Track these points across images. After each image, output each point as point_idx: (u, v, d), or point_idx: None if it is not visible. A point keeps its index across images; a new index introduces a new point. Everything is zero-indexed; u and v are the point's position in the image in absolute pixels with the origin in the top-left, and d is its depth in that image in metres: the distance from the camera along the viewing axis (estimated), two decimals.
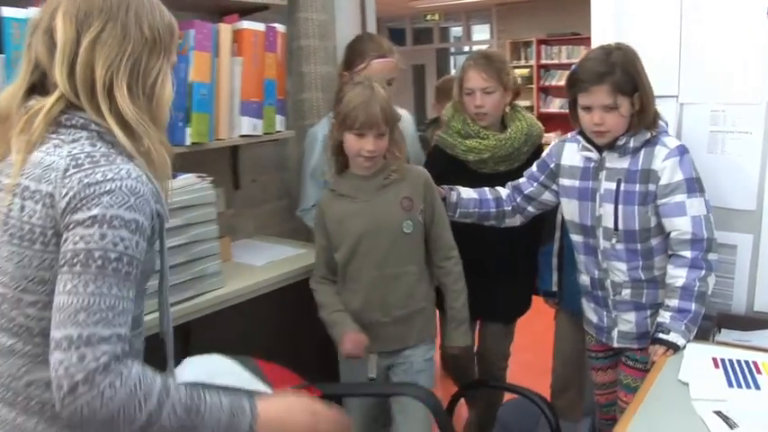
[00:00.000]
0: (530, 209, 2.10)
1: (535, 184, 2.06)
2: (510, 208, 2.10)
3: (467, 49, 10.97)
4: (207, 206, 1.87)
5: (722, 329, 1.90)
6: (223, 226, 2.33)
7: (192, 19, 1.97)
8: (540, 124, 2.32)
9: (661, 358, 1.68)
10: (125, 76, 1.07)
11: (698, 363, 1.62)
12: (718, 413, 1.39)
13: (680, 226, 1.76)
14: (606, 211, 1.86)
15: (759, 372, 1.57)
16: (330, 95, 2.60)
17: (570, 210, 1.97)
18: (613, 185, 1.84)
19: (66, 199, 0.99)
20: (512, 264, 2.29)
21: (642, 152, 1.81)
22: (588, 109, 1.78)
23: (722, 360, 1.63)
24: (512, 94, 2.23)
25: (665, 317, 1.75)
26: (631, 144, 1.80)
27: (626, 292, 1.89)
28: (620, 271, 1.88)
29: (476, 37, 10.83)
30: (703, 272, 1.74)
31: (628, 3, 2.05)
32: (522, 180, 2.09)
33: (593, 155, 1.88)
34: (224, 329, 1.84)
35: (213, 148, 2.11)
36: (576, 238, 1.99)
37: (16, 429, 1.06)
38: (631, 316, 1.91)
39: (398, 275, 1.91)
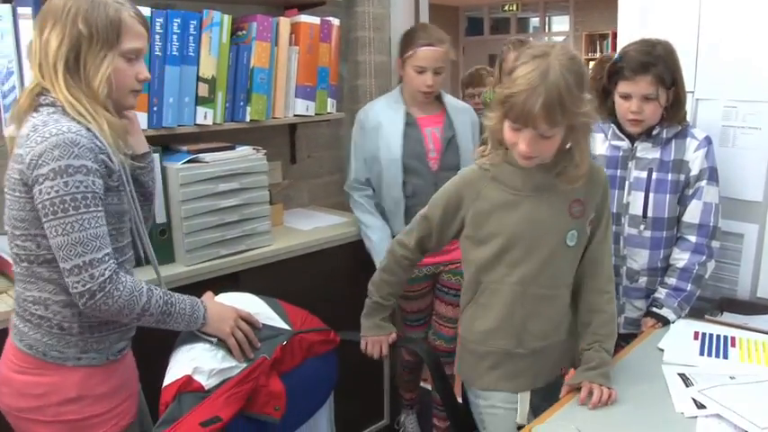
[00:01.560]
0: None
1: None
2: None
3: (545, 39, 10.97)
4: (259, 174, 2.16)
5: (724, 312, 2.04)
6: (279, 195, 2.65)
7: (257, 13, 2.27)
8: None
9: (649, 329, 1.86)
10: (65, 65, 1.37)
11: (680, 334, 1.80)
12: (681, 375, 1.57)
13: (692, 209, 1.89)
14: (635, 199, 1.93)
15: (733, 345, 1.73)
16: (382, 82, 2.87)
17: None
18: (644, 174, 1.91)
19: (29, 157, 1.31)
20: None
21: (673, 143, 1.90)
22: (627, 97, 1.85)
23: (703, 334, 1.80)
24: None
25: (660, 293, 1.91)
26: (664, 135, 1.89)
27: (642, 280, 1.96)
28: (640, 258, 1.95)
29: (554, 28, 10.81)
30: (704, 257, 1.88)
31: (651, 6, 2.18)
32: None
33: (624, 144, 1.94)
34: (269, 280, 2.13)
35: (272, 126, 2.41)
36: None
37: (23, 336, 1.43)
38: (641, 303, 1.98)
39: (548, 298, 1.56)
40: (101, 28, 1.38)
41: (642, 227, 1.93)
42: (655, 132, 1.90)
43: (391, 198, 2.35)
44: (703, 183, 1.88)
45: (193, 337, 1.52)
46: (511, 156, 1.50)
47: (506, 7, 10.49)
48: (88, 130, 1.36)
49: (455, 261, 2.43)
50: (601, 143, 1.99)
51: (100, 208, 1.35)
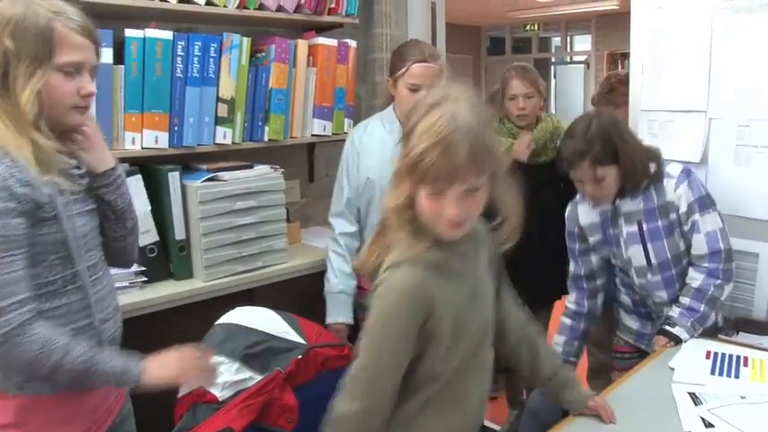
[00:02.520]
0: (599, 281, 2.10)
1: (579, 260, 2.08)
2: (586, 302, 2.09)
3: (567, 59, 10.99)
4: (276, 192, 2.22)
5: (740, 332, 2.03)
6: (297, 213, 2.70)
7: (275, 36, 2.33)
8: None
9: (661, 348, 1.87)
10: None
11: (692, 353, 1.79)
12: (691, 394, 1.57)
13: (697, 242, 1.88)
14: (635, 253, 1.94)
15: (746, 365, 1.72)
16: None
17: (588, 262, 2.08)
18: (635, 227, 1.92)
19: None
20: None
21: (652, 189, 1.90)
22: (580, 182, 1.89)
23: (715, 353, 1.79)
24: (543, 99, 2.56)
25: (674, 311, 1.90)
26: (641, 187, 1.89)
27: (667, 309, 1.96)
28: (658, 295, 1.97)
29: (576, 47, 10.82)
30: (719, 281, 1.87)
31: (663, 23, 2.20)
32: (571, 267, 2.11)
33: (607, 206, 1.96)
34: (284, 296, 2.17)
35: (290, 145, 2.47)
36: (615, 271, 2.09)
37: None
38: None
39: (486, 364, 1.38)
40: (29, 42, 1.26)
41: (650, 275, 1.95)
42: (627, 188, 1.90)
43: None
44: (696, 216, 1.87)
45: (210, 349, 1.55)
46: (435, 237, 1.21)
47: (528, 27, 10.54)
48: (7, 157, 1.24)
49: None
50: (588, 211, 2.02)
51: (12, 252, 1.24)
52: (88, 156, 1.42)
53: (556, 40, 11.14)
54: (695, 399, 1.54)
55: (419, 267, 1.19)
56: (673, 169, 1.91)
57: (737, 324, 2.06)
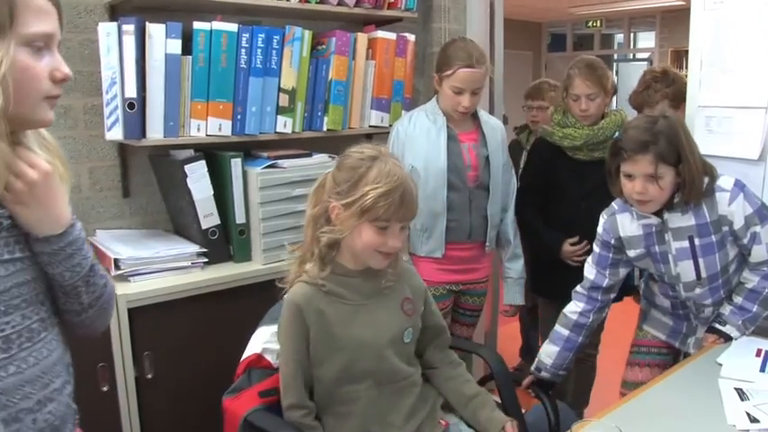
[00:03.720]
0: (611, 295, 2.04)
1: (607, 270, 1.98)
2: (592, 316, 2.00)
3: (630, 56, 10.77)
4: None
5: None
6: None
7: (336, 29, 2.40)
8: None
9: (710, 344, 1.86)
10: None
11: (741, 350, 1.79)
12: (738, 389, 1.57)
13: (758, 252, 1.83)
14: (684, 269, 1.88)
15: None
16: None
17: (644, 264, 1.98)
18: (686, 243, 1.84)
19: None
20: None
21: (704, 205, 1.81)
22: (630, 177, 1.79)
23: (766, 351, 1.78)
24: (610, 95, 2.48)
25: (725, 309, 1.89)
26: (692, 202, 1.80)
27: (708, 310, 1.95)
28: (706, 304, 1.94)
29: (640, 44, 10.60)
30: None
31: (723, 17, 2.17)
32: (591, 275, 2.00)
33: (653, 220, 1.85)
34: None
35: (348, 135, 2.52)
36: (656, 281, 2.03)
37: None
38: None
39: (402, 388, 1.59)
40: None
41: (698, 289, 1.91)
42: (676, 200, 1.80)
43: (429, 213, 2.26)
44: (757, 228, 1.80)
45: (272, 319, 1.65)
46: (339, 267, 1.53)
47: (590, 23, 10.37)
48: None
49: (480, 281, 2.45)
50: (629, 223, 1.92)
51: None
52: (27, 212, 1.03)
53: (619, 37, 10.92)
54: (742, 394, 1.54)
55: (308, 286, 1.50)
56: (725, 183, 1.82)
57: None
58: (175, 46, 2.06)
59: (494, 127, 2.40)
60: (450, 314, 2.47)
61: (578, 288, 2.03)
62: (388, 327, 1.56)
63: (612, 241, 1.96)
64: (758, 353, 1.77)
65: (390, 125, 2.57)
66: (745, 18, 2.13)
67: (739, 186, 1.81)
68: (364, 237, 1.47)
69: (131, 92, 2.01)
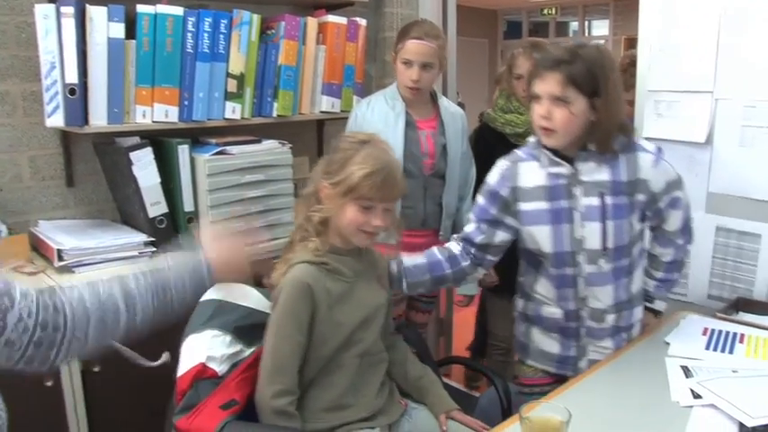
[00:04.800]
0: (489, 257, 1.81)
1: (484, 226, 1.77)
2: (468, 262, 1.80)
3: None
4: (284, 167, 2.27)
5: (740, 312, 2.05)
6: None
7: (285, 13, 2.36)
8: None
9: (654, 325, 1.87)
10: None
11: (688, 329, 1.82)
12: (684, 367, 1.60)
13: (675, 218, 1.75)
14: (590, 232, 1.67)
15: (741, 342, 1.74)
16: None
17: (540, 238, 1.72)
18: (596, 200, 1.65)
19: None
20: None
21: (622, 159, 1.65)
22: (538, 99, 1.62)
23: (712, 330, 1.82)
24: None
25: (649, 285, 1.85)
26: (608, 151, 1.64)
27: (610, 318, 1.75)
28: (604, 296, 1.73)
29: (594, 32, 10.73)
30: (687, 245, 1.83)
31: (672, 3, 2.20)
32: (469, 227, 1.81)
33: (564, 169, 1.67)
34: None
35: (300, 121, 2.50)
36: (549, 271, 1.76)
37: None
38: (608, 342, 1.78)
39: (377, 363, 1.66)
40: None
41: (603, 261, 1.69)
42: (593, 149, 1.65)
43: None
44: (678, 192, 1.72)
45: (201, 325, 1.57)
46: (332, 245, 1.58)
47: (545, 11, 10.46)
48: None
49: None
50: (534, 173, 1.71)
51: None
52: None
53: (573, 25, 11.05)
54: (687, 372, 1.57)
55: (311, 266, 1.53)
56: (647, 145, 1.70)
57: (738, 304, 2.08)
58: (118, 30, 1.99)
59: (454, 114, 2.37)
60: (406, 301, 2.46)
61: (454, 235, 1.89)
62: (374, 301, 1.63)
63: (502, 191, 1.74)
64: (704, 331, 1.81)
65: (342, 111, 2.55)
66: (693, 3, 2.16)
67: (661, 151, 1.71)
68: (349, 215, 1.53)
69: (72, 77, 1.94)
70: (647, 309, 1.86)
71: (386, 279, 1.72)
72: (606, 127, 1.61)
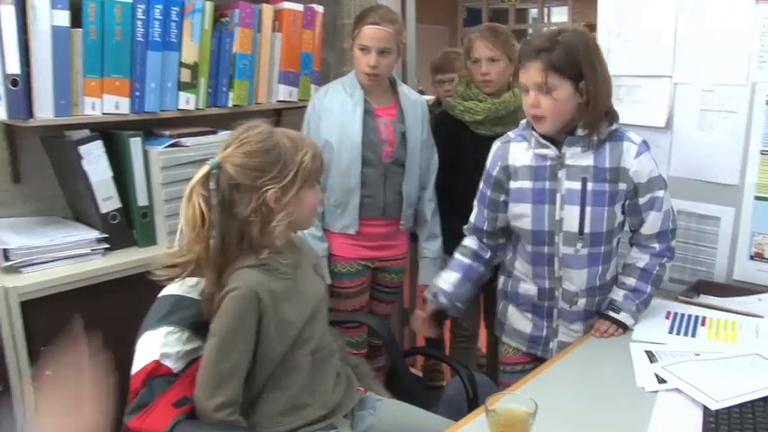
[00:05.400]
0: (500, 241, 1.89)
1: (486, 211, 1.84)
2: (489, 252, 1.90)
3: (544, 30, 10.98)
4: None
5: (701, 294, 2.06)
6: None
7: (239, 0, 2.29)
8: None
9: (603, 335, 1.72)
10: None
11: (652, 314, 1.82)
12: (648, 352, 1.60)
13: (652, 221, 1.73)
14: (569, 214, 1.70)
15: (703, 325, 1.75)
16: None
17: (521, 215, 1.77)
18: (578, 185, 1.68)
19: None
20: None
21: (607, 147, 1.68)
22: (526, 90, 1.65)
23: (675, 314, 1.82)
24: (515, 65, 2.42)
25: (618, 294, 1.75)
26: (595, 136, 1.66)
27: (581, 302, 1.78)
28: (577, 278, 1.76)
29: (554, 19, 10.80)
30: (665, 259, 1.78)
31: None
32: (473, 216, 1.89)
33: (551, 151, 1.70)
34: None
35: (256, 111, 2.44)
36: (526, 248, 1.80)
37: None
38: (578, 326, 1.81)
39: (326, 358, 1.61)
40: None
41: (579, 245, 1.72)
42: (581, 133, 1.66)
43: (343, 188, 2.22)
44: (660, 192, 1.72)
45: (157, 321, 1.51)
46: (271, 246, 1.47)
47: None
48: None
49: (397, 257, 2.42)
50: (523, 153, 1.75)
51: None
52: None
53: (533, 12, 11.11)
54: (651, 357, 1.57)
55: (254, 270, 1.43)
56: (634, 136, 1.71)
57: (698, 286, 2.09)
58: (63, 17, 1.91)
59: (414, 102, 2.34)
60: (369, 291, 2.43)
61: (465, 227, 1.93)
62: (316, 293, 1.58)
63: (495, 172, 1.80)
64: (668, 315, 1.81)
65: (300, 100, 2.50)
66: None
67: (647, 145, 1.73)
68: (308, 201, 1.50)
69: (14, 67, 1.85)
70: (609, 319, 1.74)
71: (320, 268, 1.68)
72: (595, 108, 1.63)
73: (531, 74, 1.61)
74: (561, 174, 1.70)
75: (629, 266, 1.80)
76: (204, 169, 1.44)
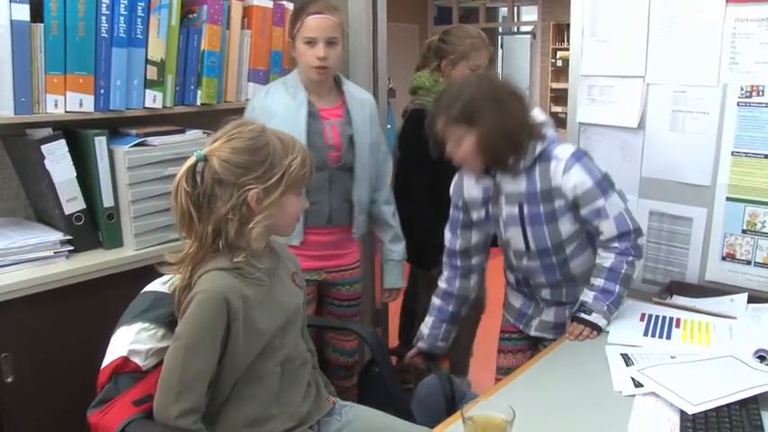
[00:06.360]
0: (474, 260, 1.98)
1: (458, 232, 1.95)
2: (458, 281, 1.99)
3: (514, 29, 11.01)
4: None
5: (674, 295, 2.07)
6: None
7: None
8: None
9: (576, 338, 1.72)
10: None
11: (626, 316, 1.81)
12: (624, 355, 1.59)
13: (606, 228, 1.75)
14: (514, 235, 1.82)
15: (678, 326, 1.75)
16: (340, 70, 2.83)
17: (467, 238, 1.95)
18: (515, 209, 1.79)
19: None
20: None
21: (537, 170, 1.75)
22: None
23: (649, 315, 1.82)
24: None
25: (588, 296, 1.76)
26: (521, 164, 1.74)
27: (545, 292, 1.90)
28: (537, 278, 1.88)
29: (523, 18, 10.85)
30: (632, 257, 1.76)
31: None
32: (447, 239, 1.98)
33: (488, 181, 1.83)
34: None
35: (225, 110, 2.38)
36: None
37: None
38: (551, 311, 1.92)
39: (297, 369, 1.55)
40: None
41: (526, 259, 1.85)
42: (509, 163, 1.75)
43: None
44: (600, 202, 1.72)
45: (134, 317, 1.48)
46: (249, 250, 1.42)
47: None
48: None
49: (348, 267, 2.29)
50: (470, 187, 1.89)
51: None
52: None
53: (503, 11, 11.14)
54: (627, 360, 1.56)
55: (225, 272, 1.38)
56: (561, 152, 1.74)
57: (671, 287, 2.10)
58: (23, 11, 1.85)
59: (362, 101, 2.23)
60: (316, 304, 2.31)
61: (442, 256, 2.02)
62: (291, 302, 1.53)
63: (460, 203, 1.92)
64: (642, 317, 1.81)
65: None
66: None
67: (576, 157, 1.73)
68: (290, 208, 1.46)
69: None
70: (581, 321, 1.74)
71: (300, 277, 1.62)
72: (495, 146, 1.72)
73: (440, 131, 1.75)
74: (501, 199, 1.82)
75: (597, 267, 1.79)
76: (191, 161, 1.39)
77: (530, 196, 1.76)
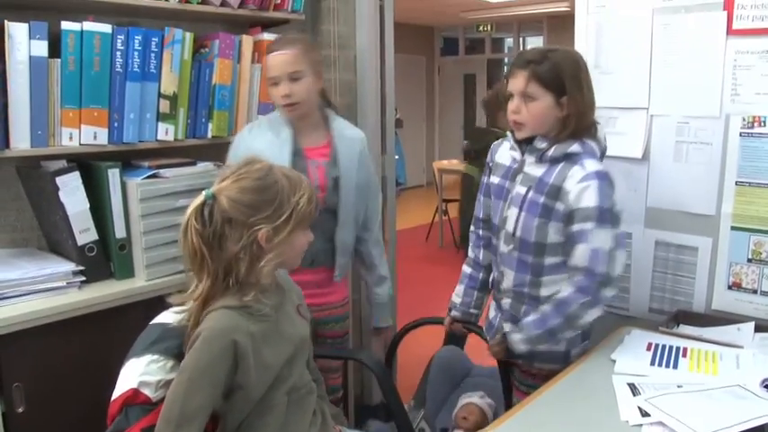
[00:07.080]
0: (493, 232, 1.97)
1: (484, 198, 1.99)
2: (482, 253, 2.03)
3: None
4: None
5: (680, 324, 2.07)
6: None
7: (219, 31, 2.30)
8: None
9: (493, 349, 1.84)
10: None
11: (633, 345, 1.82)
12: (630, 384, 1.59)
13: (579, 253, 1.68)
14: (511, 215, 1.81)
15: (684, 356, 1.75)
16: (348, 100, 2.89)
17: (488, 206, 1.96)
18: (523, 190, 1.78)
19: None
20: None
21: (560, 166, 1.73)
22: (511, 96, 1.76)
23: (656, 345, 1.82)
24: None
25: (530, 317, 1.76)
26: (550, 152, 1.73)
27: (506, 302, 1.88)
28: (507, 278, 1.86)
29: (529, 48, 10.96)
30: (587, 299, 1.68)
31: (605, 21, 2.24)
32: (476, 208, 2.04)
33: (517, 155, 1.83)
34: None
35: None
36: (491, 237, 1.95)
37: None
38: (507, 326, 1.87)
39: (303, 398, 1.57)
40: None
41: (511, 246, 1.82)
42: (539, 145, 1.75)
43: None
44: (589, 225, 1.66)
45: (144, 349, 1.49)
46: (258, 285, 1.43)
47: (481, 27, 10.63)
48: None
49: (334, 305, 2.25)
50: (505, 152, 1.90)
51: None
52: None
53: (508, 41, 11.26)
54: (634, 389, 1.57)
55: (232, 311, 1.39)
56: (590, 164, 1.70)
57: (678, 316, 2.10)
58: (41, 48, 1.90)
59: (351, 139, 2.16)
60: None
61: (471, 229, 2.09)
62: (297, 333, 1.54)
63: (491, 163, 1.97)
64: (648, 346, 1.82)
65: None
66: (626, 21, 2.19)
67: (599, 176, 1.68)
68: (298, 243, 1.48)
69: None
70: (506, 335, 1.80)
71: (305, 308, 1.63)
72: (574, 123, 1.72)
73: (518, 82, 1.73)
74: (518, 178, 1.82)
75: (552, 297, 1.76)
76: (199, 199, 1.41)
77: (540, 184, 1.75)
